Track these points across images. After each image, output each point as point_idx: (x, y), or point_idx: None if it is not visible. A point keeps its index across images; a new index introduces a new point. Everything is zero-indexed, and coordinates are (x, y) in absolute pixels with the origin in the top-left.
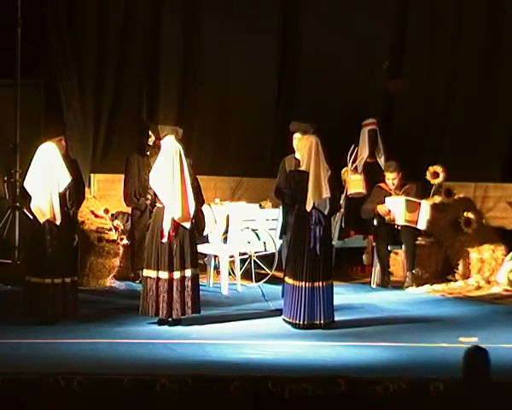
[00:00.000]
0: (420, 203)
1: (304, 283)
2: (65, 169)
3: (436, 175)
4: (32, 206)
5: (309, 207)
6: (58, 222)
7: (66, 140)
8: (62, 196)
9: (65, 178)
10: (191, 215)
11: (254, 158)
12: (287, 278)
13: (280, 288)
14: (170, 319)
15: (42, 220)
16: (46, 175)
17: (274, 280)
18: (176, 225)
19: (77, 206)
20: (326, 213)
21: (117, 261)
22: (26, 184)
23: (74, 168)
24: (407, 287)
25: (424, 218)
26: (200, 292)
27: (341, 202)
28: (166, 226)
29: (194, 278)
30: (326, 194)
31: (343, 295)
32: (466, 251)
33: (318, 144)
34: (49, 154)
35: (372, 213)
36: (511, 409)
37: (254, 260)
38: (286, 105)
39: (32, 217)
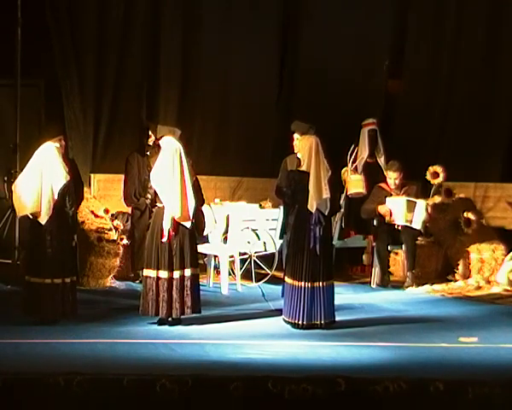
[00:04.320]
0: (416, 202)
1: (303, 283)
2: (62, 169)
3: (436, 175)
4: (14, 197)
5: (312, 208)
6: (43, 222)
7: (65, 140)
8: (61, 196)
9: (61, 179)
10: (191, 215)
11: (254, 158)
12: (286, 278)
13: (280, 288)
14: (170, 319)
15: (20, 214)
16: (41, 174)
17: (274, 280)
18: (176, 225)
19: (76, 206)
20: (326, 213)
21: (117, 261)
22: (15, 185)
23: (73, 168)
24: (407, 287)
25: (419, 217)
26: (200, 292)
27: (341, 202)
28: (166, 226)
29: (194, 278)
30: (326, 194)
31: (343, 295)
32: (466, 251)
33: (318, 145)
34: (47, 154)
35: (372, 214)
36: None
37: (254, 260)
38: (286, 105)
39: (31, 217)
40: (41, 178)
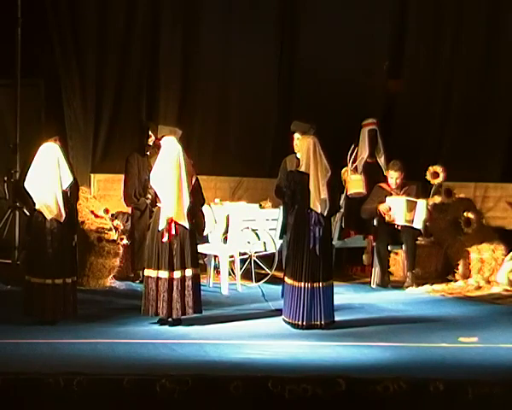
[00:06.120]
0: (416, 202)
1: (303, 283)
2: (67, 168)
3: (436, 175)
4: (37, 204)
5: (316, 208)
6: (62, 220)
7: (60, 140)
8: (65, 195)
9: (67, 177)
10: (185, 213)
11: (254, 158)
12: (286, 279)
13: (280, 288)
14: (170, 319)
15: (49, 217)
16: (49, 174)
17: (274, 280)
18: (176, 225)
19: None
20: (325, 213)
21: (117, 261)
22: (26, 184)
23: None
24: (407, 287)
25: (420, 217)
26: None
27: (341, 202)
28: (162, 225)
29: (195, 278)
30: (323, 195)
31: (343, 295)
32: (466, 251)
33: (317, 145)
34: (51, 153)
35: (373, 214)
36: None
37: (254, 260)
38: (286, 105)
39: (30, 216)
40: (50, 179)
